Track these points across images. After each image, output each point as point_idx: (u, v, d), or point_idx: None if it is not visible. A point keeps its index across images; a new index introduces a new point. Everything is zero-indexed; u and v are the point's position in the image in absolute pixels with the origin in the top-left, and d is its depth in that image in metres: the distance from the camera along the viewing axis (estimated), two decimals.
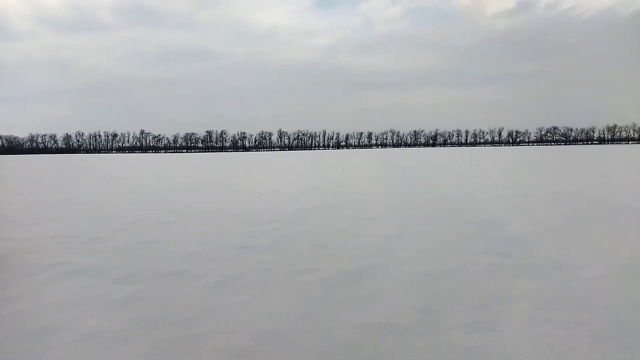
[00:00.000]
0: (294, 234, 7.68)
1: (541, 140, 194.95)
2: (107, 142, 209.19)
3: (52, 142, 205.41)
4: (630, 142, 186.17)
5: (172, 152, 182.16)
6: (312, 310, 4.42)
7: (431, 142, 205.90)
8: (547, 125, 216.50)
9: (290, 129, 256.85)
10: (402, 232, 7.81)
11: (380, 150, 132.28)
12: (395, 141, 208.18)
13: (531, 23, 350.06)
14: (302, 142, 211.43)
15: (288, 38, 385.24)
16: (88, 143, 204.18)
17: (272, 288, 5.11)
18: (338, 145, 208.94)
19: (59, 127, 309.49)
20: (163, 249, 7.02)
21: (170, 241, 7.55)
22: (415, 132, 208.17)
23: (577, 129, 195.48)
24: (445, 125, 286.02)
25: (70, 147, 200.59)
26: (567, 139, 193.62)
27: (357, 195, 12.92)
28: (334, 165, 34.20)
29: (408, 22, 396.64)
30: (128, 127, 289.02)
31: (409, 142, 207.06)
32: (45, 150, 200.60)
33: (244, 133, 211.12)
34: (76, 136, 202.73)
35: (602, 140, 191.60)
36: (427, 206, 10.42)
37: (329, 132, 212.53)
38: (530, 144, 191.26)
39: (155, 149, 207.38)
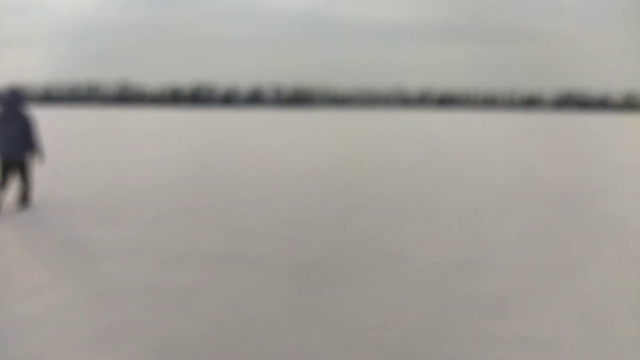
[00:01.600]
0: None
1: (557, 104, 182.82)
2: (90, 93, 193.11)
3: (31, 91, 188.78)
4: None
5: (158, 107, 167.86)
6: None
7: (440, 103, 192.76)
8: (561, 87, 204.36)
9: (286, 82, 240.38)
10: None
11: (390, 115, 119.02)
12: (401, 101, 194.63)
13: None
14: (299, 99, 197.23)
15: None
16: (68, 93, 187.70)
17: None
18: (339, 103, 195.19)
19: (37, 75, 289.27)
20: None
21: None
22: (422, 92, 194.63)
23: (591, 96, 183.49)
24: (454, 83, 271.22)
25: (50, 96, 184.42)
26: (584, 104, 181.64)
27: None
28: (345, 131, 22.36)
29: None
30: (111, 74, 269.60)
31: (417, 102, 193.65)
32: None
33: (235, 87, 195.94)
34: (56, 85, 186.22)
35: (617, 107, 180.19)
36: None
37: (330, 88, 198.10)
38: (544, 111, 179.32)
39: (140, 99, 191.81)
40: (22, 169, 7.21)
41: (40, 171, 11.46)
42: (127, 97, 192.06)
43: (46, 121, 44.13)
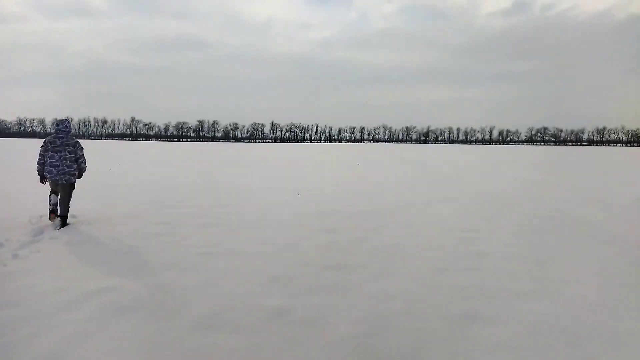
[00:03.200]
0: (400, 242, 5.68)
1: (531, 140, 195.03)
2: (97, 128, 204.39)
3: (41, 126, 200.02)
4: (619, 144, 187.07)
5: (164, 141, 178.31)
6: None
7: (423, 138, 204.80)
8: (538, 125, 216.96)
9: (283, 121, 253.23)
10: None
11: (374, 145, 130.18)
12: (387, 137, 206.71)
13: (527, 23, 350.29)
14: (294, 135, 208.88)
15: (283, 30, 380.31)
16: (77, 129, 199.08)
17: None
18: (330, 139, 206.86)
19: (48, 112, 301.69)
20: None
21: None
22: (407, 128, 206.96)
23: (567, 130, 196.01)
24: (437, 122, 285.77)
25: None
26: (557, 139, 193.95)
27: (409, 190, 10.97)
28: (346, 160, 32.18)
29: (403, 19, 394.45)
30: (118, 114, 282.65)
31: (401, 138, 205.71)
32: (34, 134, 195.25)
33: (236, 124, 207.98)
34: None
35: (591, 142, 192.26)
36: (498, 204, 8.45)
37: (321, 125, 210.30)
38: (520, 144, 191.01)
39: (146, 137, 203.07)
40: (66, 190, 7.62)
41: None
42: (135, 133, 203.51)
43: None
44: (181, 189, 12.85)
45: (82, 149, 7.86)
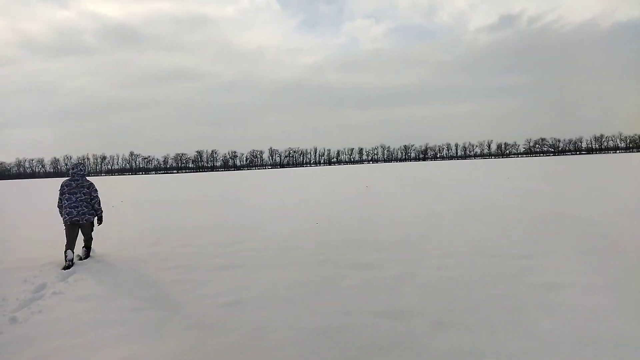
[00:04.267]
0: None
1: (530, 152, 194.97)
2: (96, 164, 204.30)
3: (40, 166, 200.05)
4: (618, 151, 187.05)
5: (163, 173, 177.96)
6: None
7: (422, 156, 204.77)
8: (535, 136, 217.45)
9: (281, 146, 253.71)
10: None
11: (375, 165, 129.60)
12: (386, 156, 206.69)
13: (514, 37, 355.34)
14: (293, 160, 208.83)
15: (275, 57, 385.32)
16: None
17: None
18: (329, 162, 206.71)
19: (46, 152, 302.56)
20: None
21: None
22: (405, 146, 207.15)
23: (565, 140, 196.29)
24: (434, 139, 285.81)
25: (58, 170, 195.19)
26: (556, 149, 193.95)
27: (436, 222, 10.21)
28: (352, 182, 31.43)
29: (392, 40, 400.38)
30: (116, 150, 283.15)
31: (400, 157, 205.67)
32: (33, 174, 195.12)
33: (235, 152, 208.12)
34: (64, 160, 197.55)
35: (590, 150, 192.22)
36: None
37: (319, 148, 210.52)
38: (519, 156, 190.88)
39: (145, 171, 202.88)
40: (88, 228, 7.95)
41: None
42: (134, 167, 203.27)
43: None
44: (189, 226, 12.05)
45: (96, 190, 8.12)
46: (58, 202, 7.98)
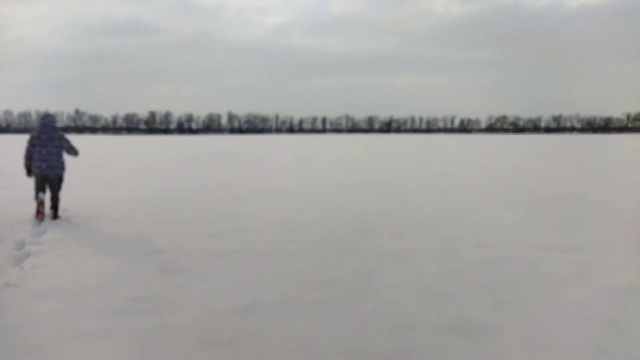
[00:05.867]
0: None
1: (491, 129, 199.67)
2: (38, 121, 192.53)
3: None
4: (574, 132, 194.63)
5: (112, 134, 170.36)
6: None
7: (386, 128, 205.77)
8: (497, 113, 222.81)
9: (240, 111, 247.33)
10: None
11: (340, 136, 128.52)
12: (350, 127, 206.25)
13: (485, 10, 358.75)
14: (253, 126, 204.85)
15: (237, 15, 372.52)
16: (18, 122, 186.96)
17: None
18: (291, 130, 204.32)
19: None
20: None
21: None
22: (370, 118, 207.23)
23: (525, 118, 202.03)
24: (399, 110, 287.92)
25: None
26: (516, 127, 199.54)
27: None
28: (329, 154, 30.32)
29: (363, 4, 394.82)
30: (61, 105, 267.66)
31: (364, 128, 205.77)
32: None
33: (191, 115, 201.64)
34: (4, 115, 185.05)
35: (547, 130, 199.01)
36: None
37: (281, 115, 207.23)
38: (480, 133, 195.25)
39: (92, 130, 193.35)
40: (57, 184, 7.80)
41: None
42: (80, 126, 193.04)
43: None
44: (169, 194, 10.69)
45: (67, 141, 8.02)
46: (25, 154, 7.79)
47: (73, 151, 8.08)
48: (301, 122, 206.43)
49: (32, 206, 8.24)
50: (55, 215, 7.74)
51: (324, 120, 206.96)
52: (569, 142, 59.94)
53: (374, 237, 6.69)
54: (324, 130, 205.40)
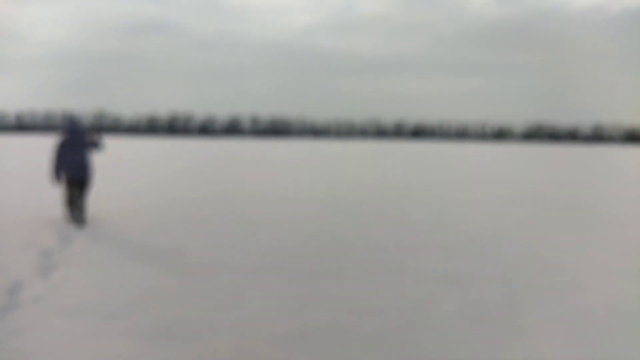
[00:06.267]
0: None
1: (527, 136, 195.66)
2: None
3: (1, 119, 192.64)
4: (613, 141, 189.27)
5: (134, 136, 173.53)
6: None
7: (415, 134, 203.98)
8: (532, 118, 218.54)
9: (263, 112, 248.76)
10: None
11: (369, 144, 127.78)
12: (377, 131, 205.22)
13: (522, 13, 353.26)
14: (276, 129, 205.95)
15: (261, 15, 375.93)
16: (43, 122, 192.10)
17: None
18: (315, 133, 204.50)
19: (8, 103, 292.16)
20: None
21: None
22: (398, 123, 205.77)
23: (562, 127, 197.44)
24: (429, 114, 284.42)
25: (22, 125, 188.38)
26: (553, 135, 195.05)
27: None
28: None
29: (392, 4, 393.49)
30: (84, 104, 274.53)
31: (392, 132, 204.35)
32: None
33: (213, 116, 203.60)
34: (30, 115, 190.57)
35: (586, 139, 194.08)
36: None
37: (305, 118, 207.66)
38: (515, 140, 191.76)
39: (114, 129, 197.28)
40: (86, 188, 7.93)
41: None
42: (102, 126, 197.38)
43: (20, 149, 45.73)
44: (199, 202, 10.51)
45: (93, 139, 8.14)
46: (54, 158, 7.81)
47: (100, 147, 8.23)
48: (326, 126, 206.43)
49: (59, 210, 8.16)
50: (83, 220, 7.76)
51: (350, 125, 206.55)
52: (612, 154, 58.06)
53: (421, 256, 6.30)
54: (349, 135, 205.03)
